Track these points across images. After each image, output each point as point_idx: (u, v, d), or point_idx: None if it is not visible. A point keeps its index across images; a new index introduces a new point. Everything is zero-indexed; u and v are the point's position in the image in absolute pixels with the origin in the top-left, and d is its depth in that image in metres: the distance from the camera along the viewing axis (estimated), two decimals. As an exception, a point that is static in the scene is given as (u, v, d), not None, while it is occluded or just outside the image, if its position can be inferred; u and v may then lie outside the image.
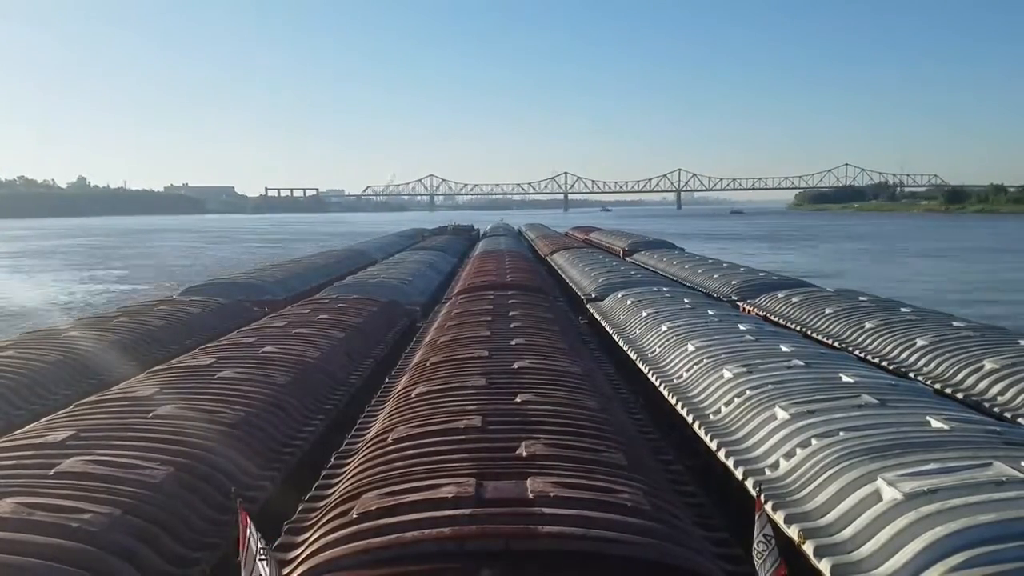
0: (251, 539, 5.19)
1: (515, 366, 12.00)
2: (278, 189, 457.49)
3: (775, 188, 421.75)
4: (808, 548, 6.79)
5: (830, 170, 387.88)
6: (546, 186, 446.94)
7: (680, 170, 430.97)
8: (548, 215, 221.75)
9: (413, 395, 10.74)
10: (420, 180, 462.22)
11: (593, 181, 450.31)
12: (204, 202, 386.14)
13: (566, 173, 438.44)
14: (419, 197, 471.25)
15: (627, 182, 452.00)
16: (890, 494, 6.89)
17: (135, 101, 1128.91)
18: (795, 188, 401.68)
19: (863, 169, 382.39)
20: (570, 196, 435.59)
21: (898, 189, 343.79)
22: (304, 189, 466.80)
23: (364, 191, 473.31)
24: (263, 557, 5.16)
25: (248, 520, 5.26)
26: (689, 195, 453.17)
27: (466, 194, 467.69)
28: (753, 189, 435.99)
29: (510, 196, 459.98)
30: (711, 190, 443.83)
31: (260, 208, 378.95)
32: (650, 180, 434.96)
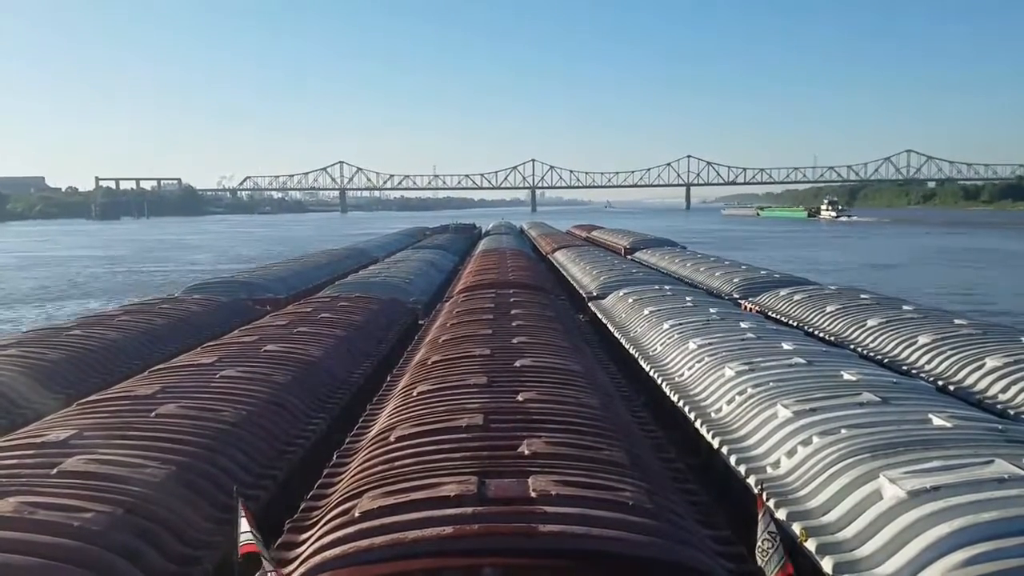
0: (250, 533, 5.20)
1: (517, 364, 12.00)
2: (116, 180, 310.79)
3: (815, 182, 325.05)
4: (810, 546, 6.79)
5: (888, 158, 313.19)
6: (507, 178, 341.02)
7: (690, 157, 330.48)
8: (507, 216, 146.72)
9: (415, 393, 10.74)
10: (325, 169, 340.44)
11: (571, 172, 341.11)
12: (5, 199, 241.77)
13: (534, 161, 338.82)
14: (323, 192, 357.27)
15: (618, 173, 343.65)
16: (892, 492, 6.88)
17: None
18: (843, 181, 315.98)
19: (929, 157, 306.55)
20: (539, 191, 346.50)
21: None
22: (159, 179, 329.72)
23: (242, 183, 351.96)
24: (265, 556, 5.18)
25: (250, 516, 5.27)
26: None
27: (393, 189, 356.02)
28: (788, 183, 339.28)
29: (456, 192, 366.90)
30: (731, 184, 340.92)
31: (109, 211, 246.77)
32: (649, 171, 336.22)
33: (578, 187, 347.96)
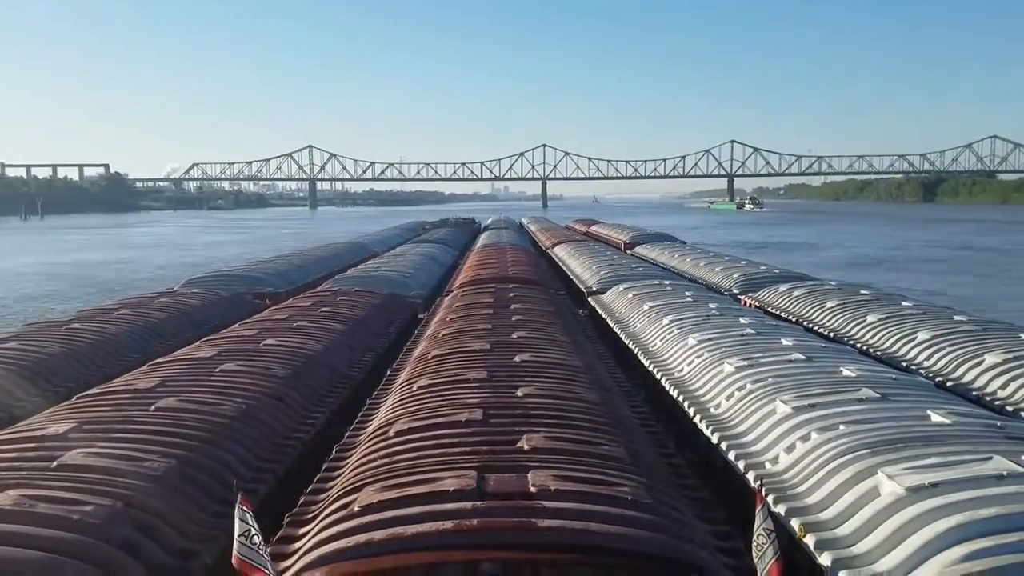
0: (250, 528, 5.19)
1: (516, 359, 12.00)
2: (27, 166, 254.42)
3: (883, 172, 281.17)
4: (809, 541, 6.80)
5: (969, 145, 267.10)
6: (512, 166, 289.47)
7: (734, 143, 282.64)
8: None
9: (415, 388, 10.75)
10: (291, 155, 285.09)
11: (590, 159, 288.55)
12: None
13: (545, 146, 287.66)
14: (282, 185, 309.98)
15: (646, 161, 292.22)
16: (891, 488, 6.89)
17: None
18: (915, 172, 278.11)
19: (1017, 144, 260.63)
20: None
21: None
22: (79, 166, 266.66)
23: (188, 171, 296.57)
24: (262, 550, 5.17)
25: (249, 508, 5.26)
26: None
27: (375, 179, 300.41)
28: (851, 173, 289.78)
29: (448, 182, 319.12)
30: (784, 174, 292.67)
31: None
32: (684, 159, 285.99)
33: (598, 178, 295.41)
